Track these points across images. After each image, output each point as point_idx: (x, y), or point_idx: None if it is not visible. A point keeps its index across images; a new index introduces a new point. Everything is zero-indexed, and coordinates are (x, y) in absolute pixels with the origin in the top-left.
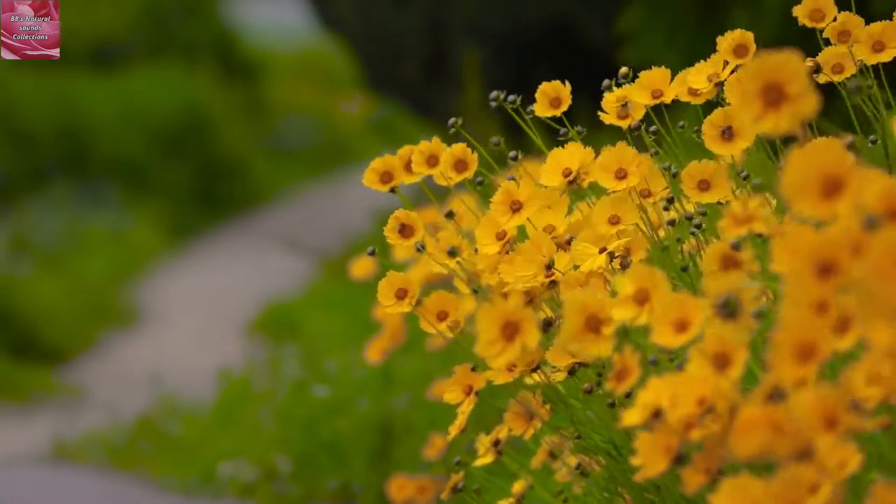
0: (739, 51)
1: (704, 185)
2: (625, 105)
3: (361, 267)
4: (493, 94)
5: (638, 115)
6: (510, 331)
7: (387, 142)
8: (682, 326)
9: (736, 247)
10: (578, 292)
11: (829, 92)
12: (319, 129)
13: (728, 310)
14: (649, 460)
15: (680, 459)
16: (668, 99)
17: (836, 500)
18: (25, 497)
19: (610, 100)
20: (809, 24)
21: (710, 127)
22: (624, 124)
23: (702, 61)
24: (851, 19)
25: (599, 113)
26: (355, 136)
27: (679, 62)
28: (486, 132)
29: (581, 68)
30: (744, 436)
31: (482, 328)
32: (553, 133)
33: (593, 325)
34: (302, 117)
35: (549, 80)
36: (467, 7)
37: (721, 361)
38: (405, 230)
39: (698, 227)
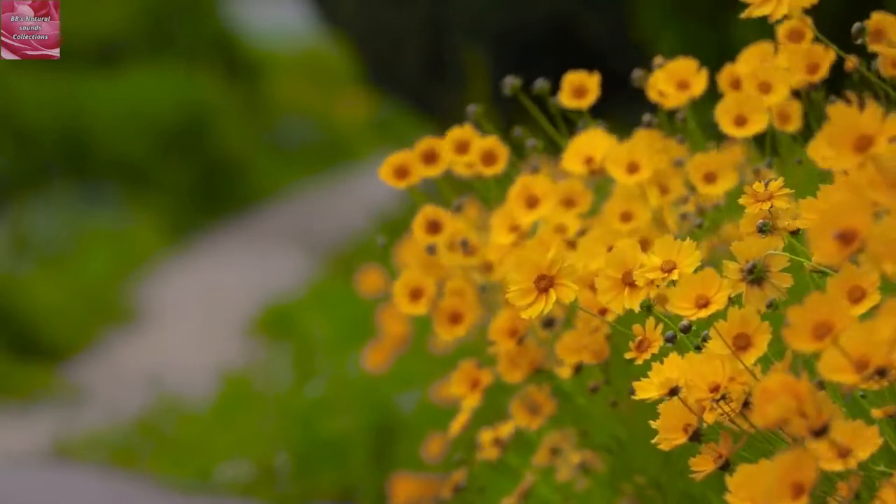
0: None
1: (710, 177)
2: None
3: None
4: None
5: (672, 103)
6: (545, 283)
7: (387, 140)
8: (703, 302)
9: (762, 228)
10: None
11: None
12: (320, 128)
13: (754, 275)
14: (668, 432)
15: (696, 436)
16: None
17: (850, 491)
18: (26, 496)
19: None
20: None
21: (723, 114)
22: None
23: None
24: (885, 18)
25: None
26: (356, 134)
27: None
28: (491, 131)
29: (583, 67)
30: (764, 404)
31: (515, 278)
32: (561, 128)
33: (544, 284)
34: (302, 116)
35: (550, 79)
36: (468, 5)
37: (742, 342)
38: (434, 226)
39: (699, 226)
